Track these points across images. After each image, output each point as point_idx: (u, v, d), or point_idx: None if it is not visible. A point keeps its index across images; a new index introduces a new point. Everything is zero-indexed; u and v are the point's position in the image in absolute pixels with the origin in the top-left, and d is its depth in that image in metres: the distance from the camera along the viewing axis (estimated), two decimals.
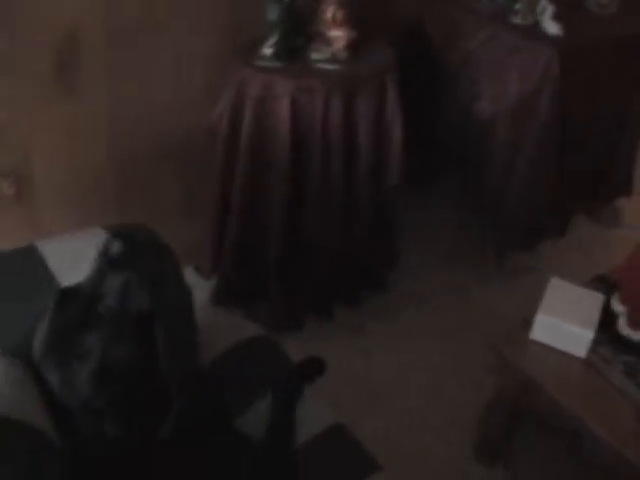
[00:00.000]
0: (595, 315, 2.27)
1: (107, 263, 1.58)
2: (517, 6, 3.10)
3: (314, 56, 2.69)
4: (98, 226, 2.00)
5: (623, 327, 2.27)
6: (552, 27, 3.02)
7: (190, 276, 2.76)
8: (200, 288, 1.91)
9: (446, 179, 3.57)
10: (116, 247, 1.59)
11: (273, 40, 2.62)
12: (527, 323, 2.32)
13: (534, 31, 3.07)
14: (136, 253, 1.61)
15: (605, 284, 2.46)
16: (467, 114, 3.24)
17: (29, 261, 1.80)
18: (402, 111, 2.77)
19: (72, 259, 1.80)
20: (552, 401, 2.18)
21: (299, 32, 2.72)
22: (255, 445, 1.66)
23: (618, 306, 2.32)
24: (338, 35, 2.68)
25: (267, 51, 2.63)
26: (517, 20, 3.11)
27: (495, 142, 3.18)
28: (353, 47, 2.71)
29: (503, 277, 3.43)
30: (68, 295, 1.56)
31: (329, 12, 2.66)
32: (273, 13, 2.60)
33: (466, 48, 3.21)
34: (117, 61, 2.68)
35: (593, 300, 2.34)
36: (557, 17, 3.03)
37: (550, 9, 3.04)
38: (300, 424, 1.71)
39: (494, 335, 2.46)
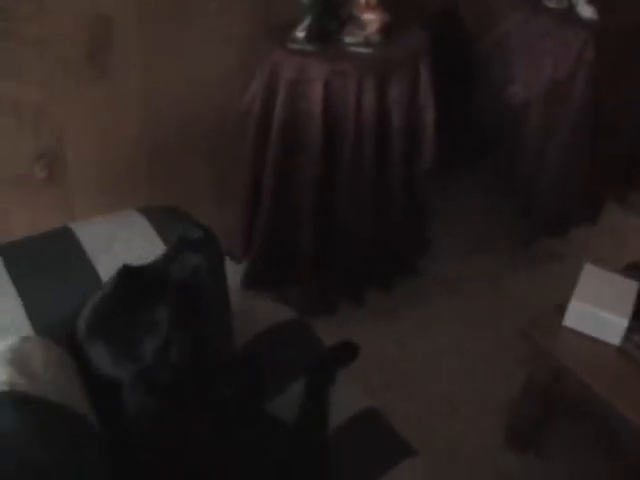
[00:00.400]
0: (629, 303, 2.25)
1: (185, 245, 1.63)
2: None
3: (347, 39, 2.67)
4: (131, 208, 2.01)
5: None
6: (587, 10, 2.98)
7: None
8: (231, 272, 1.91)
9: (477, 164, 3.55)
10: (196, 233, 1.66)
11: (306, 23, 2.60)
12: (560, 309, 2.30)
13: (568, 15, 3.04)
14: (210, 242, 1.69)
15: (639, 271, 2.44)
16: (499, 98, 3.21)
17: (64, 243, 1.80)
18: (435, 95, 2.75)
19: (106, 241, 1.80)
20: (584, 388, 2.17)
21: (332, 15, 2.70)
22: (287, 429, 1.66)
23: None
24: (371, 18, 2.66)
25: (300, 34, 2.61)
26: (551, 3, 3.07)
27: (527, 127, 3.16)
28: (386, 30, 2.69)
29: (533, 264, 3.41)
30: (132, 273, 1.57)
31: None
32: None
33: (499, 31, 3.18)
34: (150, 43, 2.67)
35: (627, 287, 2.31)
36: (591, 0, 2.99)
37: None
38: (333, 408, 1.70)
39: (525, 322, 2.44)
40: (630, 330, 2.21)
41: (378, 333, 2.95)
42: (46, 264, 1.73)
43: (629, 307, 2.23)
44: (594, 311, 2.22)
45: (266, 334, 1.89)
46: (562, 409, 2.56)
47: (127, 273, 1.56)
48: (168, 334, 1.48)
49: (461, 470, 2.48)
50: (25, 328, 1.60)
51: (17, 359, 1.39)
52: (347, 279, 2.99)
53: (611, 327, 2.21)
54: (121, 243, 1.80)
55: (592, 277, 2.33)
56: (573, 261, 3.14)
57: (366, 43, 2.66)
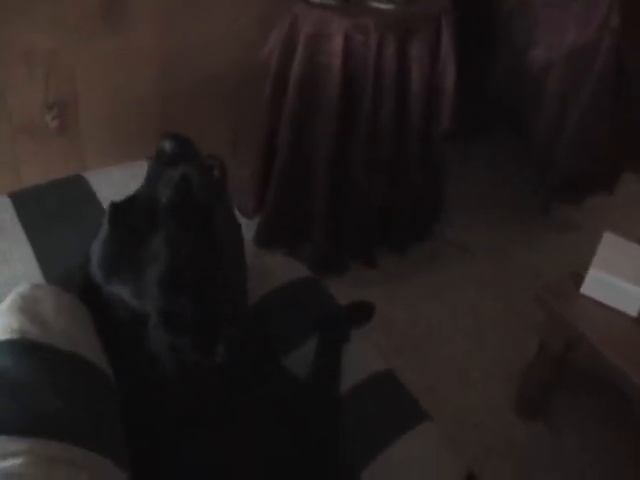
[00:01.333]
0: None
1: (163, 163, 1.56)
2: None
3: None
4: (143, 159, 1.97)
5: None
6: None
7: None
8: (243, 229, 1.89)
9: (494, 130, 3.50)
10: (169, 145, 1.58)
11: None
12: (576, 277, 2.27)
13: None
14: (190, 150, 1.60)
15: None
16: (520, 62, 3.15)
17: (76, 191, 1.78)
18: (456, 56, 2.70)
19: (119, 190, 1.76)
20: (598, 355, 2.13)
21: None
22: (300, 383, 1.64)
23: None
24: None
25: None
26: None
27: (547, 92, 3.11)
28: None
29: (548, 232, 3.39)
30: (121, 208, 1.52)
31: None
32: None
33: None
34: None
35: None
36: None
37: None
38: (349, 368, 1.68)
39: (538, 289, 2.41)
40: None
41: (389, 297, 2.92)
42: (58, 212, 1.71)
43: None
44: (613, 280, 2.18)
45: (281, 290, 1.86)
46: (573, 380, 2.54)
47: (116, 210, 1.50)
48: (170, 260, 1.43)
49: (469, 437, 2.47)
50: (37, 276, 1.58)
51: (28, 307, 1.37)
52: (360, 239, 2.96)
53: (629, 297, 2.17)
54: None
55: (611, 246, 2.29)
56: (588, 231, 3.13)
57: (388, 0, 2.60)
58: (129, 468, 1.27)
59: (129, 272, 1.43)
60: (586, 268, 2.22)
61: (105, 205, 1.70)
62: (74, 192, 1.77)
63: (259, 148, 2.81)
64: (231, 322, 1.47)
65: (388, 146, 2.72)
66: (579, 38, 2.94)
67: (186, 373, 1.43)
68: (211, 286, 1.50)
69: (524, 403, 2.55)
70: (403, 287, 3.00)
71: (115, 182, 1.81)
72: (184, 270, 1.44)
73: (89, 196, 1.75)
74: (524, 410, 2.55)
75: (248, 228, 2.85)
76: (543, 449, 2.46)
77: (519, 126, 3.36)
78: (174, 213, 1.48)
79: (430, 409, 1.78)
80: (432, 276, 3.08)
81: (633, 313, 2.18)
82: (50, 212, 1.70)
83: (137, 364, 1.43)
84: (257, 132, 2.80)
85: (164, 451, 1.39)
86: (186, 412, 1.44)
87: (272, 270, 1.96)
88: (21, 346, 1.27)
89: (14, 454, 1.08)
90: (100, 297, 1.44)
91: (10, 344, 1.27)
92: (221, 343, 1.42)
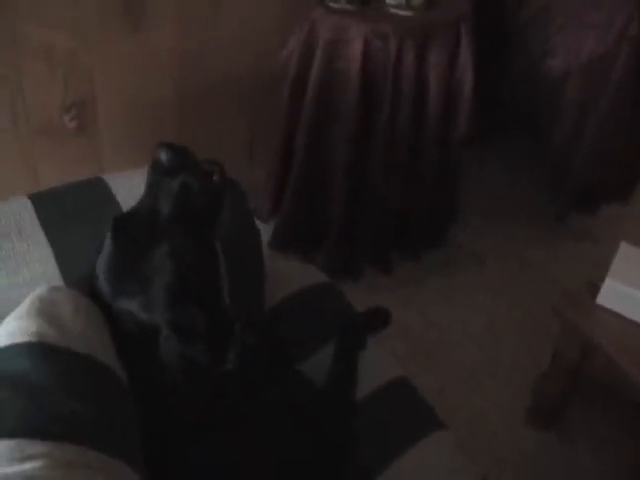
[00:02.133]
0: None
1: (160, 173, 1.54)
2: None
3: (388, 1, 2.62)
4: None
5: None
6: None
7: None
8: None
9: (512, 135, 3.50)
10: (164, 155, 1.55)
11: None
12: (591, 287, 2.26)
13: None
14: (187, 158, 1.58)
15: None
16: (537, 70, 3.15)
17: (96, 193, 1.77)
18: (475, 63, 2.69)
19: (139, 192, 1.76)
20: (614, 366, 2.12)
21: None
22: (316, 389, 1.64)
23: None
24: None
25: None
26: None
27: (565, 100, 3.10)
28: None
29: (563, 240, 3.37)
30: (123, 222, 1.51)
31: None
32: None
33: (542, 1, 3.11)
34: None
35: None
36: None
37: None
38: (365, 375, 1.68)
39: (551, 298, 2.41)
40: None
41: (404, 302, 2.92)
42: (78, 214, 1.70)
43: None
44: (629, 291, 2.17)
45: (298, 295, 1.86)
46: (588, 390, 2.53)
47: (119, 225, 1.50)
48: (175, 270, 1.43)
49: (481, 445, 2.46)
50: (55, 278, 1.58)
51: (46, 310, 1.37)
52: (375, 244, 2.96)
53: None
54: None
55: (628, 256, 2.28)
56: (604, 240, 3.11)
57: (407, 6, 2.61)
58: (144, 470, 1.27)
59: (136, 286, 1.42)
60: (602, 278, 2.21)
61: (125, 207, 1.71)
62: (94, 194, 1.77)
63: (276, 151, 2.82)
64: (244, 327, 1.47)
65: (405, 152, 2.72)
66: (598, 46, 2.94)
67: (197, 379, 1.43)
68: (217, 293, 1.50)
69: (537, 413, 2.54)
70: (418, 293, 3.00)
71: (135, 184, 1.79)
72: (190, 279, 1.44)
73: (109, 198, 1.74)
74: (537, 420, 2.54)
75: (263, 232, 2.86)
76: (556, 460, 2.45)
77: (537, 132, 3.35)
78: (176, 223, 1.48)
79: (443, 415, 1.78)
80: (446, 282, 3.08)
81: None
82: (70, 214, 1.69)
83: (147, 371, 1.43)
84: (274, 135, 2.81)
85: (175, 455, 1.39)
86: (197, 417, 1.43)
87: (289, 275, 1.96)
88: (39, 349, 1.27)
89: (33, 457, 1.08)
90: (109, 311, 1.44)
91: (28, 347, 1.27)
92: (232, 349, 1.42)
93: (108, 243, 1.46)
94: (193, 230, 1.50)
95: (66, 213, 1.70)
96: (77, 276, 1.55)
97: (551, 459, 2.45)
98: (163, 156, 1.55)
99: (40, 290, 1.42)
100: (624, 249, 2.31)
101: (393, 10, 2.61)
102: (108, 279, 1.46)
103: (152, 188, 1.54)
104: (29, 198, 1.74)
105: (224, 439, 1.43)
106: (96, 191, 1.77)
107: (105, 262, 1.47)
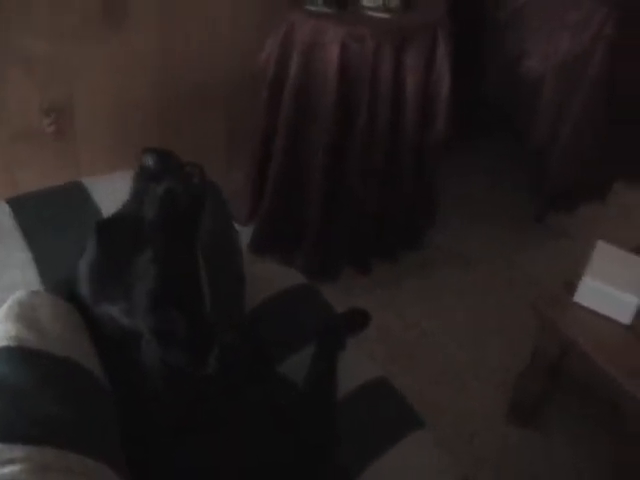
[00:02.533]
0: None
1: (146, 178, 1.54)
2: None
3: (365, 4, 2.63)
4: None
5: None
6: None
7: None
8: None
9: (495, 138, 3.51)
10: (150, 160, 1.56)
11: None
12: (569, 286, 2.28)
13: None
14: (172, 164, 1.59)
15: None
16: (514, 72, 3.17)
17: (75, 197, 1.77)
18: (451, 66, 2.71)
19: (118, 196, 1.76)
20: (592, 364, 2.14)
21: None
22: (296, 389, 1.64)
23: None
24: None
25: None
26: None
27: (542, 101, 3.12)
28: None
29: (541, 240, 3.39)
30: (107, 226, 1.51)
31: None
32: None
33: (517, 2, 3.13)
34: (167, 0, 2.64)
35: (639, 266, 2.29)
36: None
37: None
38: (343, 375, 1.69)
39: (531, 297, 2.43)
40: None
41: (382, 304, 2.92)
42: (58, 218, 1.71)
43: None
44: (606, 289, 2.19)
45: (278, 297, 1.87)
46: (566, 387, 2.55)
47: (102, 229, 1.50)
48: (157, 275, 1.43)
49: (462, 444, 2.47)
50: (35, 282, 1.58)
51: (25, 314, 1.37)
52: (353, 246, 2.97)
53: (622, 305, 2.18)
54: None
55: (604, 255, 2.31)
56: (582, 239, 3.13)
57: (384, 8, 2.62)
58: (127, 473, 1.28)
59: (119, 291, 1.42)
60: (579, 276, 2.24)
61: (104, 211, 1.71)
62: (73, 198, 1.77)
63: (254, 153, 2.83)
64: (224, 330, 1.48)
65: (382, 155, 2.73)
66: (573, 46, 2.96)
67: (178, 384, 1.44)
68: (198, 297, 1.50)
69: (517, 410, 2.55)
70: (395, 294, 3.01)
71: (114, 188, 1.80)
72: (172, 284, 1.44)
73: (88, 202, 1.75)
74: (517, 416, 2.55)
75: (242, 235, 2.86)
76: (535, 456, 2.47)
77: (518, 134, 3.37)
78: (160, 229, 1.48)
79: (424, 415, 1.79)
80: (424, 284, 3.08)
81: (625, 321, 2.19)
82: (49, 218, 1.70)
83: (128, 376, 1.43)
84: (253, 137, 2.81)
85: (157, 459, 1.39)
86: (178, 421, 1.44)
87: (269, 277, 1.97)
88: (18, 353, 1.27)
89: (12, 461, 1.08)
90: (90, 316, 1.44)
91: (7, 351, 1.27)
92: (213, 353, 1.42)
93: (92, 247, 1.46)
94: (176, 235, 1.50)
95: (45, 217, 1.70)
96: (57, 280, 1.55)
97: (531, 456, 2.47)
98: (149, 161, 1.56)
99: (19, 294, 1.42)
100: (600, 248, 2.33)
101: (370, 13, 2.62)
102: (91, 284, 1.46)
103: (138, 194, 1.55)
104: (7, 203, 1.74)
105: (205, 442, 1.43)
106: (75, 195, 1.78)
107: (88, 266, 1.46)
